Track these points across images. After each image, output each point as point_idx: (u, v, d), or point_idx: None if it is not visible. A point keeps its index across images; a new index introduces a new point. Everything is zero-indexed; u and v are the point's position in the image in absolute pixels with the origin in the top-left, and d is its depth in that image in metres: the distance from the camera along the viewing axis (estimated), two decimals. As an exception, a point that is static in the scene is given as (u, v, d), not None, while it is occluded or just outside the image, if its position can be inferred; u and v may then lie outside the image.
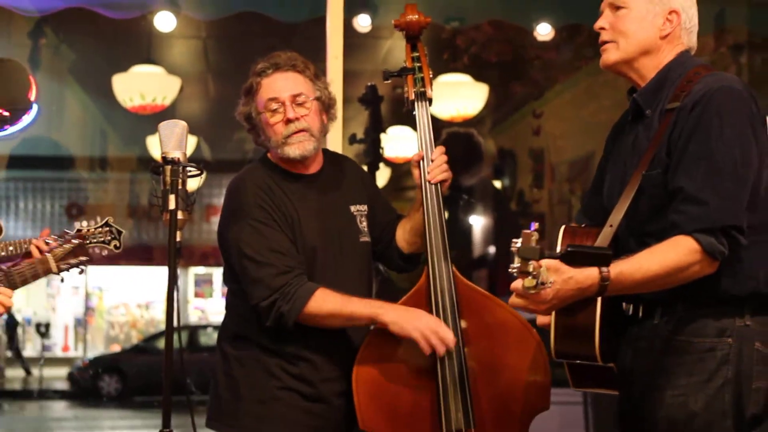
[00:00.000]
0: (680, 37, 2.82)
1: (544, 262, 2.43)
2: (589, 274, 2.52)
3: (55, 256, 2.96)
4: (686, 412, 2.61)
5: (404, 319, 3.09)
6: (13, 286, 2.82)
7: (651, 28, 2.79)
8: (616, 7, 2.82)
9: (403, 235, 3.40)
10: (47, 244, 3.32)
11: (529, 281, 2.42)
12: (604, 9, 2.87)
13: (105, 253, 3.33)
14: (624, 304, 2.80)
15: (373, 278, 3.45)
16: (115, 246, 3.31)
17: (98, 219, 3.34)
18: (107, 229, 3.31)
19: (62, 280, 3.12)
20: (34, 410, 15.84)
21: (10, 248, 3.43)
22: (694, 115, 2.62)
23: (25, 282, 2.89)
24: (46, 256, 2.95)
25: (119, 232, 3.33)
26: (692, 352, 2.63)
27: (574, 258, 2.51)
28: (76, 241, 3.02)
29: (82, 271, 3.10)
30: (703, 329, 2.63)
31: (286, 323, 3.08)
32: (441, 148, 3.29)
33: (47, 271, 2.97)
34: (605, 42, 2.85)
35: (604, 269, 2.52)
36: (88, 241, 3.28)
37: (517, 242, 2.41)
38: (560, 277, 2.49)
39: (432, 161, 3.26)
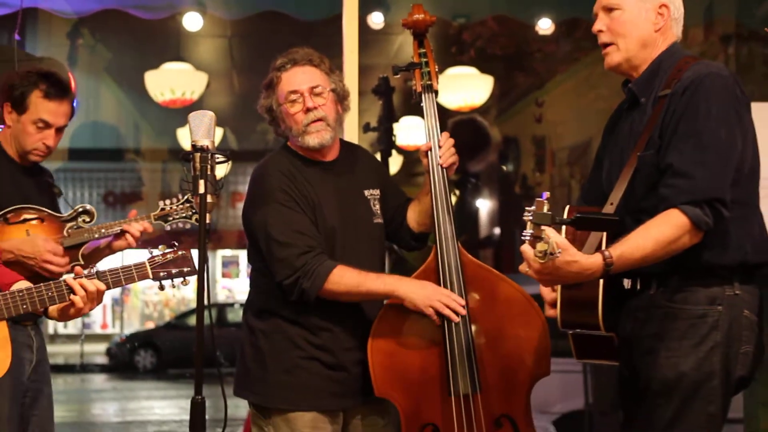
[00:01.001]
0: (671, 28, 2.84)
1: (554, 237, 2.42)
2: (595, 261, 2.53)
3: (152, 264, 2.93)
4: (677, 372, 2.63)
5: (417, 292, 3.12)
6: (108, 286, 2.84)
7: (646, 24, 2.80)
8: (610, 9, 2.82)
9: (413, 217, 3.42)
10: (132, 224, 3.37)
11: (542, 245, 2.41)
12: (598, 11, 2.86)
13: (188, 227, 3.34)
14: (624, 280, 2.82)
15: (385, 257, 3.48)
16: (196, 219, 3.28)
17: (180, 196, 3.35)
18: (188, 204, 3.32)
19: (161, 288, 3.02)
20: (76, 383, 15.92)
21: (103, 230, 3.49)
22: (684, 99, 2.64)
23: (118, 284, 2.87)
24: (144, 263, 2.93)
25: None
26: (685, 318, 2.66)
27: (586, 223, 2.53)
28: (180, 253, 2.96)
29: (186, 283, 3.01)
30: (695, 298, 2.66)
31: (308, 298, 3.11)
32: (446, 134, 3.31)
33: (143, 277, 2.93)
34: (606, 44, 2.85)
35: (607, 255, 2.53)
36: (171, 218, 3.29)
37: (531, 210, 2.41)
38: (564, 258, 2.47)
39: (440, 147, 3.29)
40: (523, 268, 2.58)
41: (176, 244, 3.05)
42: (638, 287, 2.79)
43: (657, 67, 2.80)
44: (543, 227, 2.39)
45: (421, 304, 3.10)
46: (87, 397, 14.18)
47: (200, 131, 2.81)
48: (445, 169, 3.27)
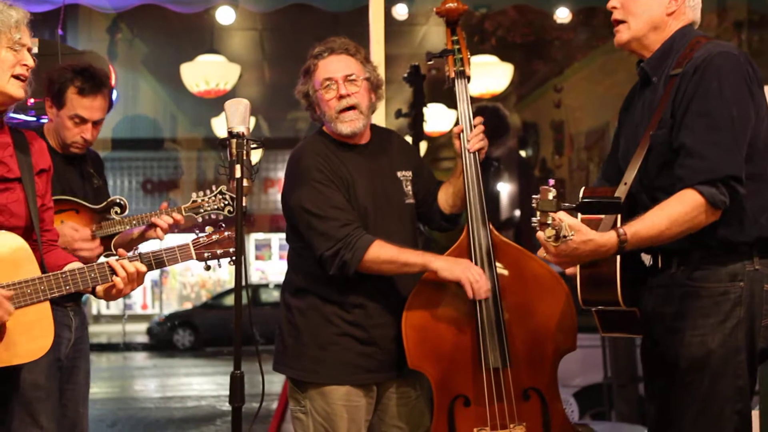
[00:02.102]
0: (685, 13, 2.78)
1: (566, 219, 2.42)
2: (609, 238, 2.51)
3: (195, 245, 2.89)
4: (705, 349, 2.60)
5: (452, 266, 3.11)
6: (149, 267, 2.84)
7: (658, 7, 2.75)
8: None
9: (444, 198, 3.41)
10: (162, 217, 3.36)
11: (549, 231, 2.43)
12: None
13: (220, 218, 3.30)
14: (643, 255, 2.78)
15: (417, 236, 3.46)
16: (228, 211, 3.27)
17: (213, 187, 3.31)
18: (221, 197, 3.30)
19: (207, 268, 2.95)
20: (119, 360, 16.05)
21: (134, 222, 3.48)
22: (695, 78, 2.59)
23: (161, 265, 2.86)
24: (188, 243, 2.91)
25: (232, 198, 3.27)
26: (708, 297, 2.62)
27: (588, 207, 2.49)
28: (226, 234, 2.89)
29: (231, 262, 2.93)
30: (717, 275, 2.62)
31: (348, 270, 3.10)
32: (479, 119, 3.30)
33: (187, 258, 2.88)
34: (618, 22, 2.81)
35: (622, 232, 2.51)
36: (203, 210, 3.27)
37: (537, 198, 2.41)
38: (579, 237, 2.48)
39: (471, 131, 3.26)
40: (541, 253, 2.62)
41: (223, 225, 3.02)
42: (659, 265, 2.74)
43: (669, 46, 2.75)
44: (553, 213, 2.40)
45: (458, 274, 3.08)
46: (129, 373, 14.29)
47: (236, 118, 2.80)
48: (479, 168, 3.26)
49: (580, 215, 2.63)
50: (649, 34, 2.77)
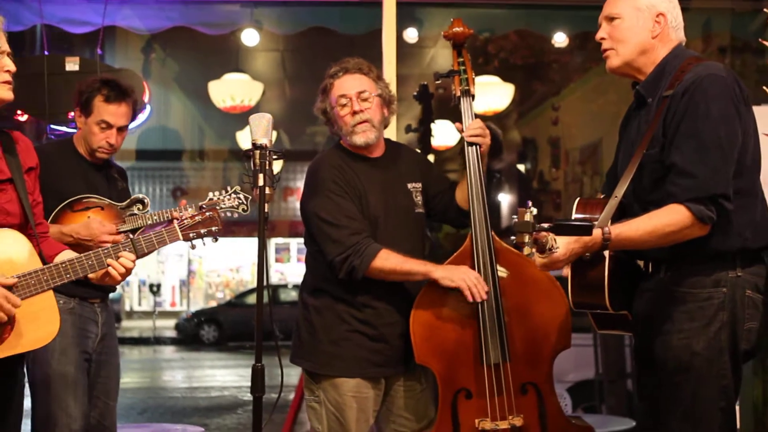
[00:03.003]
0: (669, 35, 2.75)
1: (552, 233, 2.43)
2: (594, 235, 2.50)
3: (181, 226, 2.92)
4: (690, 351, 2.57)
5: (451, 274, 3.10)
6: (140, 252, 2.80)
7: (643, 32, 2.73)
8: (611, 19, 2.76)
9: (461, 196, 3.36)
10: (181, 213, 3.32)
11: (527, 249, 2.46)
12: (602, 21, 2.80)
13: (236, 215, 3.27)
14: (637, 261, 2.76)
15: (425, 244, 3.44)
16: (243, 209, 3.25)
17: (228, 188, 3.29)
18: (235, 196, 3.30)
19: (193, 247, 2.91)
20: (149, 353, 16.07)
21: (155, 217, 3.48)
22: (684, 99, 2.56)
23: (152, 248, 2.83)
24: (174, 226, 2.90)
25: (246, 198, 3.25)
26: (693, 301, 2.59)
27: (561, 230, 2.46)
28: (207, 214, 2.88)
29: (216, 240, 2.92)
30: (701, 281, 2.59)
31: (356, 276, 3.09)
32: (478, 120, 3.28)
33: (174, 239, 2.86)
34: (606, 50, 2.79)
35: (606, 230, 2.50)
36: (219, 207, 3.26)
37: (515, 218, 2.43)
38: (565, 248, 2.52)
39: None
40: (538, 264, 2.60)
41: (204, 207, 3.01)
42: (649, 270, 2.73)
43: (662, 68, 2.72)
44: (528, 233, 2.42)
45: (457, 281, 3.08)
46: (158, 365, 14.30)
47: (259, 131, 2.80)
48: (480, 163, 3.23)
49: (574, 211, 2.67)
50: (638, 58, 2.74)
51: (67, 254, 2.74)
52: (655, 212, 2.53)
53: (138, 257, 2.78)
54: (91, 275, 2.70)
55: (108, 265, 2.68)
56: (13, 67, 2.66)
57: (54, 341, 3.09)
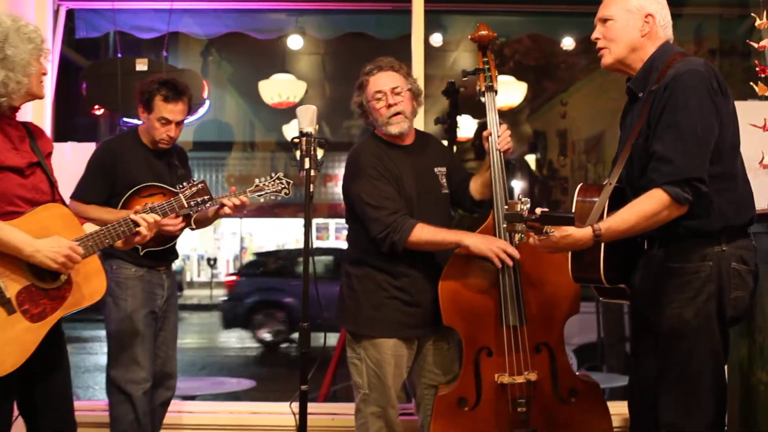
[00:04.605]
0: (658, 33, 2.70)
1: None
2: (585, 233, 2.47)
3: (184, 196, 2.98)
4: (682, 320, 2.54)
5: (481, 241, 3.10)
6: (162, 212, 2.90)
7: (633, 31, 2.68)
8: (605, 20, 2.72)
9: (475, 187, 3.38)
10: (229, 197, 3.33)
11: (517, 237, 2.45)
12: (597, 23, 2.76)
13: (279, 198, 3.26)
14: (638, 239, 2.73)
15: (451, 219, 3.45)
16: (285, 193, 3.23)
17: (272, 174, 3.28)
18: (278, 181, 3.29)
19: (188, 217, 3.10)
20: (207, 318, 16.19)
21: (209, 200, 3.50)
22: (665, 94, 2.52)
23: (166, 215, 2.92)
24: (180, 197, 2.98)
25: (288, 183, 3.23)
26: (682, 275, 2.55)
27: (546, 220, 2.42)
28: (199, 186, 3.00)
29: (207, 207, 3.07)
30: (690, 256, 2.55)
31: (397, 249, 3.11)
32: (505, 125, 3.26)
33: (182, 206, 2.97)
34: (600, 49, 2.75)
35: (596, 227, 2.46)
36: (264, 192, 3.26)
37: (506, 209, 2.41)
38: (560, 233, 2.46)
39: (499, 136, 3.23)
40: (538, 246, 2.57)
41: (193, 180, 3.06)
42: (645, 247, 2.69)
43: (650, 65, 2.66)
44: (518, 223, 2.40)
45: (485, 249, 3.06)
46: (215, 328, 14.41)
47: (305, 120, 2.82)
48: (501, 152, 3.23)
49: (574, 205, 2.63)
50: (629, 55, 2.69)
51: (88, 226, 2.80)
52: (635, 201, 2.49)
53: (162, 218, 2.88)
54: (118, 243, 2.78)
55: (136, 225, 2.77)
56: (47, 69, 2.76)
57: (127, 302, 3.39)
